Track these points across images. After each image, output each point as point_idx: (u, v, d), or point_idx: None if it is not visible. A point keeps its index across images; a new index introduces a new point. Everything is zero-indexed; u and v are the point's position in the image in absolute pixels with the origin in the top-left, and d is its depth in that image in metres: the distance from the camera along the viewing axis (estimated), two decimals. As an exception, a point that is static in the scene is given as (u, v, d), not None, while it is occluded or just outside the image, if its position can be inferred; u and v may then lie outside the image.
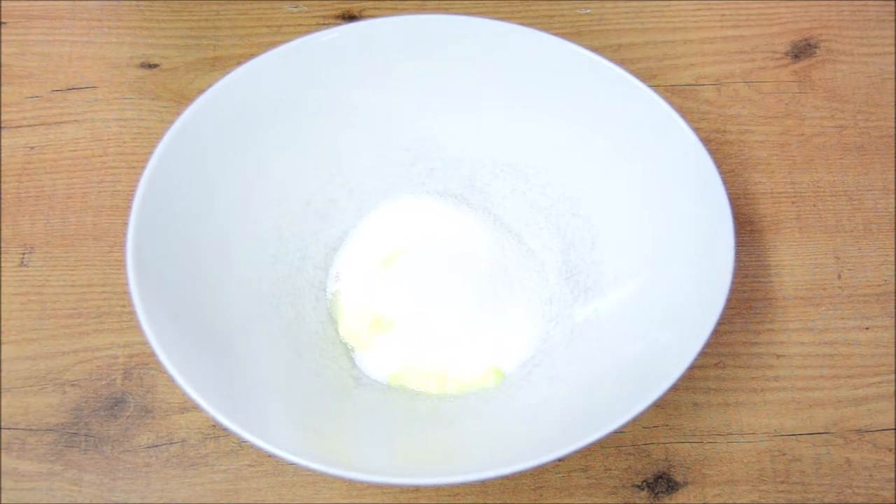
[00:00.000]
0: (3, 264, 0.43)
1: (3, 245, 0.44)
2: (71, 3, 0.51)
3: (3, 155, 0.46)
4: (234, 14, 0.51)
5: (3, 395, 0.40)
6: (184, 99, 0.48)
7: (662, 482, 0.39)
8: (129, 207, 0.36)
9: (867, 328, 0.43)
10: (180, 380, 0.32)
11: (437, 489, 0.39)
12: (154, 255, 0.36)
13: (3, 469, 0.39)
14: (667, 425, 0.40)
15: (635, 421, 0.33)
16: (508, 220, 0.44)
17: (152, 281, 0.35)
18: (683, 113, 0.39)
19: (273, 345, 0.39)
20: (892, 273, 0.44)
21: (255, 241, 0.41)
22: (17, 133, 0.47)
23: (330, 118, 0.42)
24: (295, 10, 0.51)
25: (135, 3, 0.51)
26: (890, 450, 0.40)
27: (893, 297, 0.43)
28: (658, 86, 0.49)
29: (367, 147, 0.44)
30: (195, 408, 0.39)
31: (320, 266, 0.43)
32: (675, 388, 0.33)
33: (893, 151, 0.47)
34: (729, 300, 0.35)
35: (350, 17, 0.51)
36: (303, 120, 0.42)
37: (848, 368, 0.42)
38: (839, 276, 0.44)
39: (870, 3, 0.52)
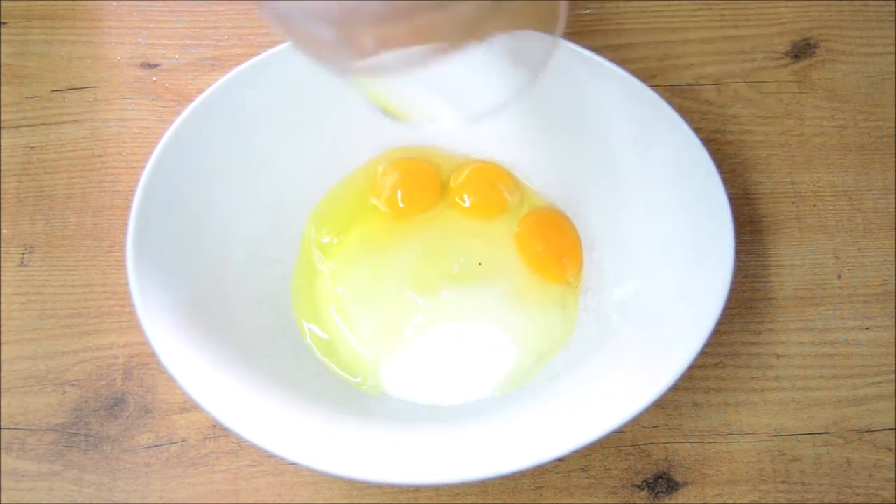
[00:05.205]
0: (3, 264, 0.43)
1: (3, 245, 0.44)
2: (71, 3, 0.51)
3: (3, 155, 0.46)
4: (234, 14, 0.51)
5: (3, 395, 0.40)
6: (184, 99, 0.48)
7: (662, 482, 0.39)
8: (129, 207, 0.36)
9: (867, 328, 0.43)
10: (180, 380, 0.32)
11: (437, 489, 0.39)
12: (154, 255, 0.36)
13: (3, 469, 0.39)
14: (667, 425, 0.40)
15: (635, 421, 0.33)
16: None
17: (152, 281, 0.35)
18: (683, 113, 0.39)
19: (273, 345, 0.39)
20: (892, 273, 0.44)
21: (255, 241, 0.41)
22: (17, 133, 0.47)
23: (330, 118, 0.42)
24: (295, 10, 0.51)
25: (135, 3, 0.51)
26: (890, 450, 0.40)
27: (893, 297, 0.43)
28: (658, 86, 0.49)
29: (367, 147, 0.44)
30: (195, 408, 0.39)
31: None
32: (675, 388, 0.33)
33: (893, 151, 0.47)
34: (729, 300, 0.35)
35: (350, 17, 0.51)
36: (303, 120, 0.42)
37: (848, 368, 0.42)
38: (839, 276, 0.44)
39: (870, 3, 0.52)
